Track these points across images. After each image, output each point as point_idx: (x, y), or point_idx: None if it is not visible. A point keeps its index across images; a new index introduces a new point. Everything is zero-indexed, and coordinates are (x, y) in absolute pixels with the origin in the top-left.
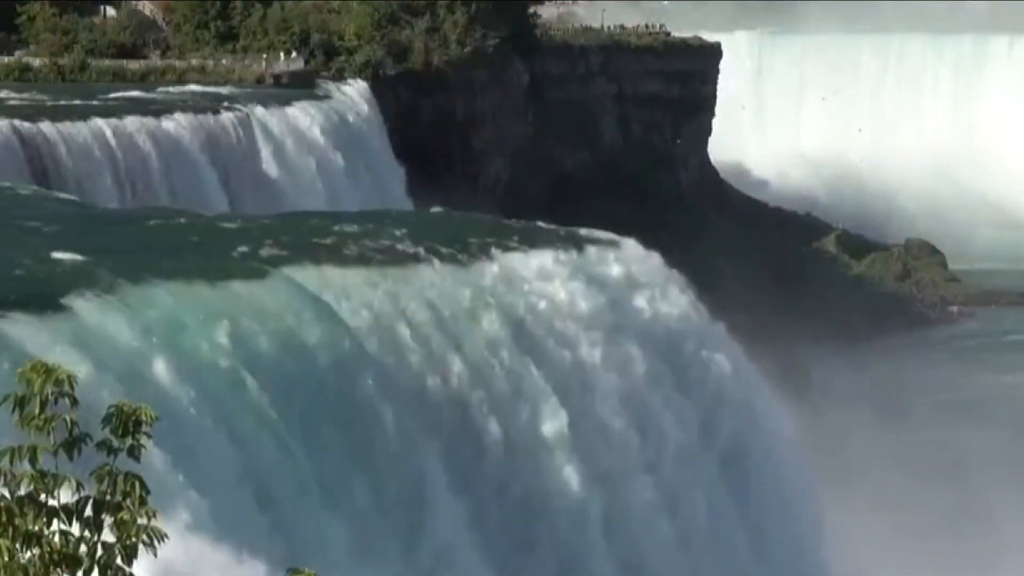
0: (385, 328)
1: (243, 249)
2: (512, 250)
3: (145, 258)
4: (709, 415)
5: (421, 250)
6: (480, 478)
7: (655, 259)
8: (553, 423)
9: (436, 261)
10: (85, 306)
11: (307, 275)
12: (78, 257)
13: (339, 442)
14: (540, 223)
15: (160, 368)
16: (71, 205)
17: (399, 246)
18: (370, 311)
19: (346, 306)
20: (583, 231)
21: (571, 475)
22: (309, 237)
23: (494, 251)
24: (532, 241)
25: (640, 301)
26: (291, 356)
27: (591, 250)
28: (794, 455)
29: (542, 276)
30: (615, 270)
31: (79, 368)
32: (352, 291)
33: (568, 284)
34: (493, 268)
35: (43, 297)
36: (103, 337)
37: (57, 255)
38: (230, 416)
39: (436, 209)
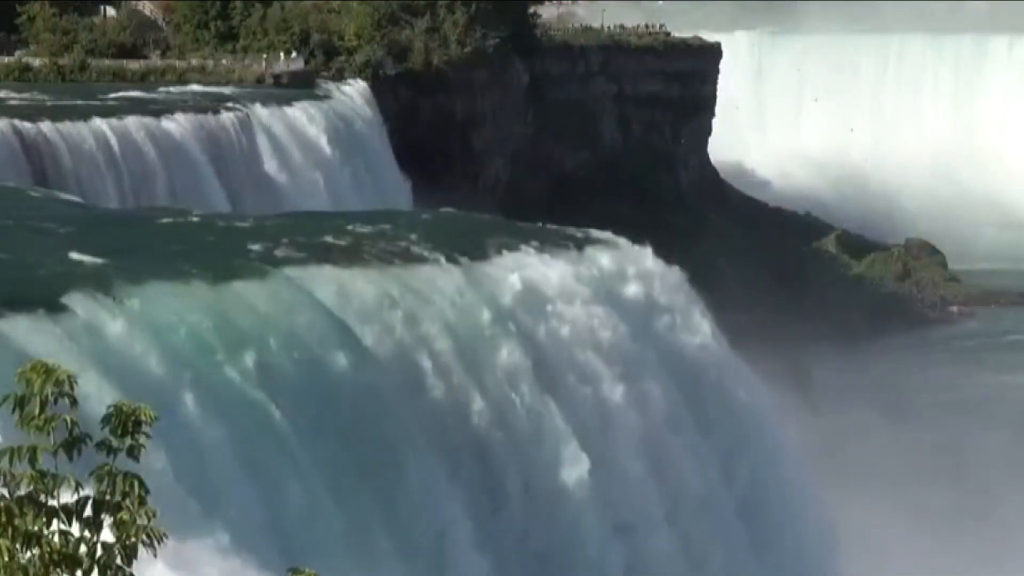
0: (408, 360)
1: (259, 252)
2: (530, 259)
3: (162, 264)
4: (728, 456)
5: (439, 258)
6: (501, 528)
7: (675, 275)
8: (574, 469)
9: (455, 272)
10: (113, 328)
11: (328, 292)
12: (97, 260)
13: (363, 487)
14: (555, 226)
15: (188, 401)
16: (77, 207)
17: (414, 249)
18: (391, 337)
19: (369, 333)
20: (596, 233)
21: (591, 526)
22: (324, 244)
23: (511, 261)
24: (549, 248)
25: (661, 328)
26: (317, 390)
27: (608, 262)
28: (812, 496)
29: (563, 296)
30: (636, 290)
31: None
32: (373, 313)
33: (590, 308)
34: (514, 283)
35: (61, 307)
36: (132, 367)
37: (75, 256)
38: (257, 456)
39: (447, 210)
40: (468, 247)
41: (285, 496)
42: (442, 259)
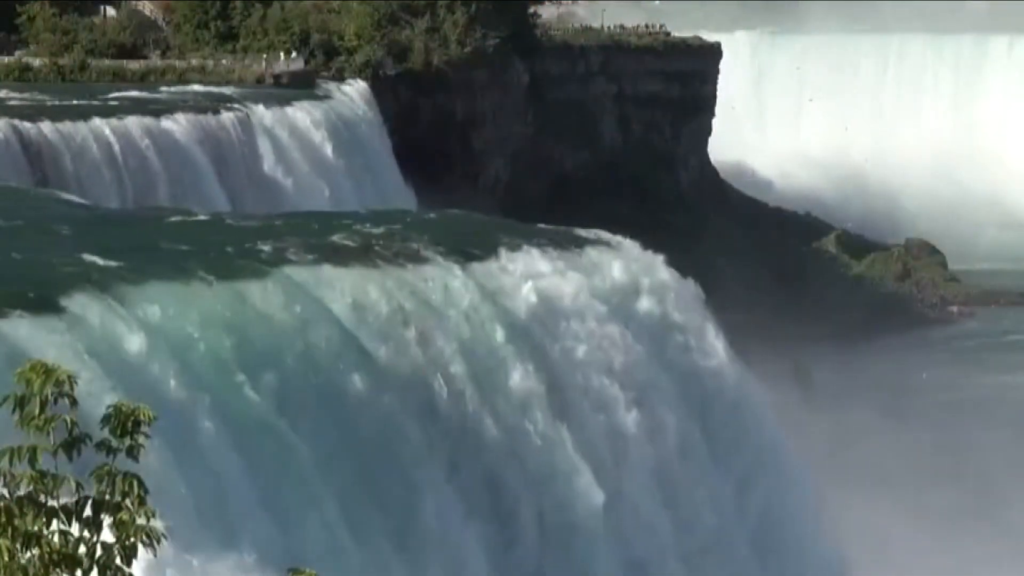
0: (423, 383)
1: (269, 255)
2: (542, 267)
3: (174, 268)
4: (742, 486)
5: (452, 267)
6: (515, 564)
7: (690, 289)
8: (588, 503)
9: (468, 283)
10: (134, 346)
11: (342, 305)
12: (111, 263)
13: (380, 521)
14: (564, 228)
15: (207, 425)
16: (81, 207)
17: (425, 253)
18: (406, 357)
19: (383, 352)
20: (605, 236)
21: (605, 562)
22: (334, 247)
23: (524, 267)
24: (561, 254)
25: (676, 350)
26: (334, 416)
27: (621, 273)
28: (825, 527)
29: (577, 312)
30: (650, 305)
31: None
32: (387, 330)
33: (604, 326)
34: (528, 295)
35: (74, 315)
36: (153, 392)
37: (87, 258)
38: (275, 485)
39: (454, 211)
40: (479, 251)
41: (302, 530)
42: (455, 268)
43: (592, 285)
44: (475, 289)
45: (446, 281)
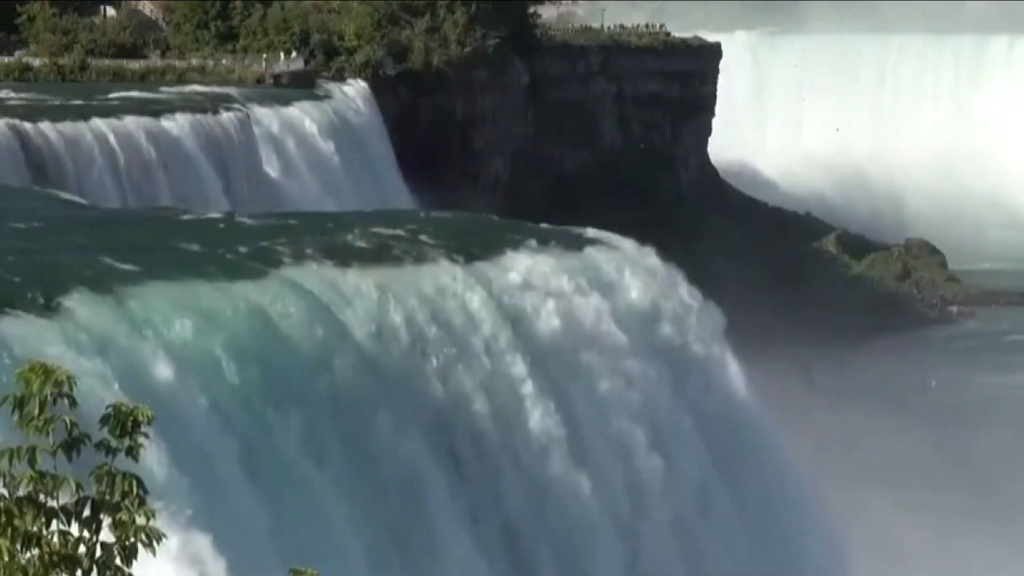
0: (447, 426)
1: (289, 263)
2: (563, 284)
3: (185, 273)
4: (762, 534)
5: (474, 285)
6: None
7: (711, 315)
8: (608, 559)
9: (489, 303)
10: (163, 373)
11: (364, 332)
12: (131, 268)
13: (401, 562)
14: (588, 231)
15: (230, 464)
16: (85, 208)
17: (443, 263)
18: (428, 396)
19: (406, 389)
20: (624, 242)
21: None
22: (350, 252)
23: (541, 280)
24: (584, 268)
25: (698, 385)
26: (360, 461)
27: (639, 295)
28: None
29: (597, 340)
30: (671, 332)
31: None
32: (410, 363)
33: (628, 361)
34: (550, 321)
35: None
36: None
37: (102, 263)
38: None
39: (466, 214)
40: (495, 257)
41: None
42: (476, 286)
43: (613, 307)
44: (496, 312)
45: (466, 301)
